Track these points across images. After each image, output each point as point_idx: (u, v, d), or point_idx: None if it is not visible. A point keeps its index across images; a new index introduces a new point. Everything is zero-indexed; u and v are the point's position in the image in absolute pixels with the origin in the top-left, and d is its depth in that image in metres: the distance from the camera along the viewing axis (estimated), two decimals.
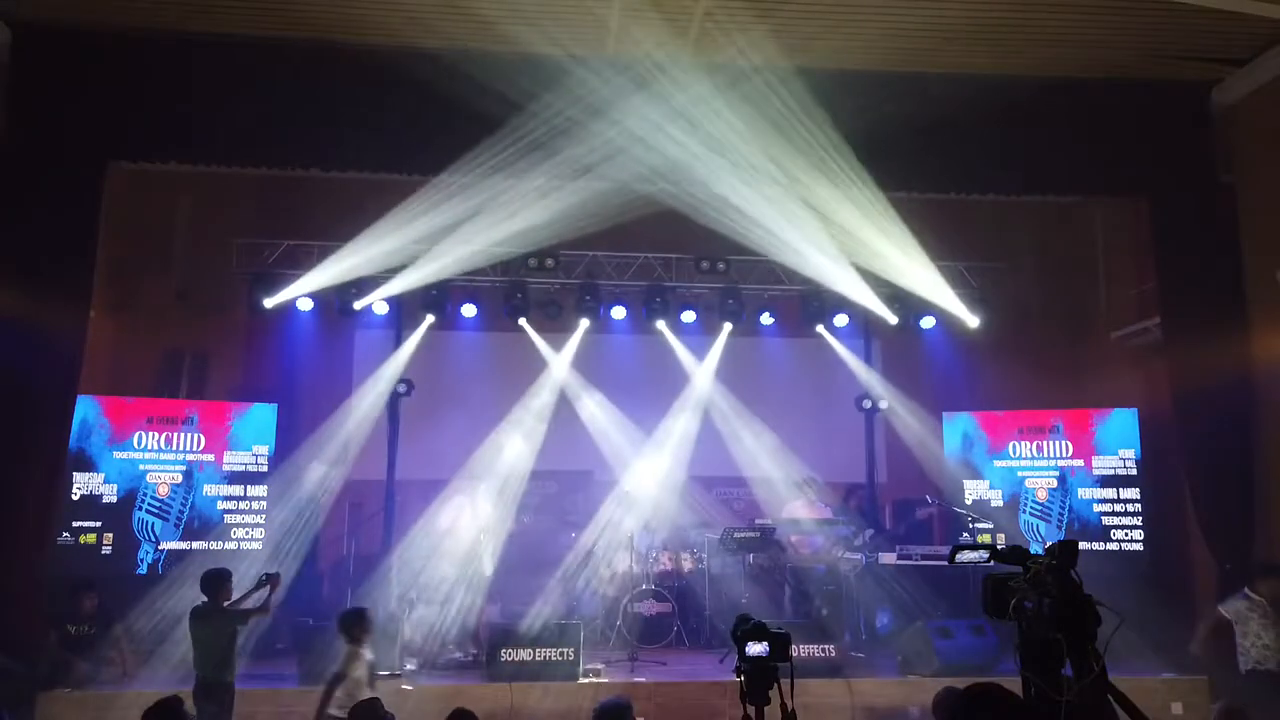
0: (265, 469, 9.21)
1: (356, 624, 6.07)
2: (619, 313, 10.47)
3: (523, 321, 10.46)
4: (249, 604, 6.42)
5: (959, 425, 10.18)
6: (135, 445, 8.87)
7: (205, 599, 6.28)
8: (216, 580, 6.33)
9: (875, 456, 10.97)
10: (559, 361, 10.70)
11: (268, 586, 6.39)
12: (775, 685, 3.17)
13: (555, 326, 10.60)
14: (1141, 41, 7.97)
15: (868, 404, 10.83)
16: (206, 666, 6.11)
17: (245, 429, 9.25)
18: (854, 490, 10.14)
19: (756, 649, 3.16)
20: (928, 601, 8.72)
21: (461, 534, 8.77)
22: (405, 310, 10.43)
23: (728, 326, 10.70)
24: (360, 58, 7.95)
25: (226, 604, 6.31)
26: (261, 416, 9.33)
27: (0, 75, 7.68)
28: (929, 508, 10.27)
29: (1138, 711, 2.34)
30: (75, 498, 8.51)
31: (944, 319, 10.51)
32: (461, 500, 8.97)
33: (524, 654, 7.47)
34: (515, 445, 10.18)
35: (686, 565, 9.62)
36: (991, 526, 9.66)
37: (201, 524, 8.95)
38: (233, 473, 9.14)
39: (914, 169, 8.39)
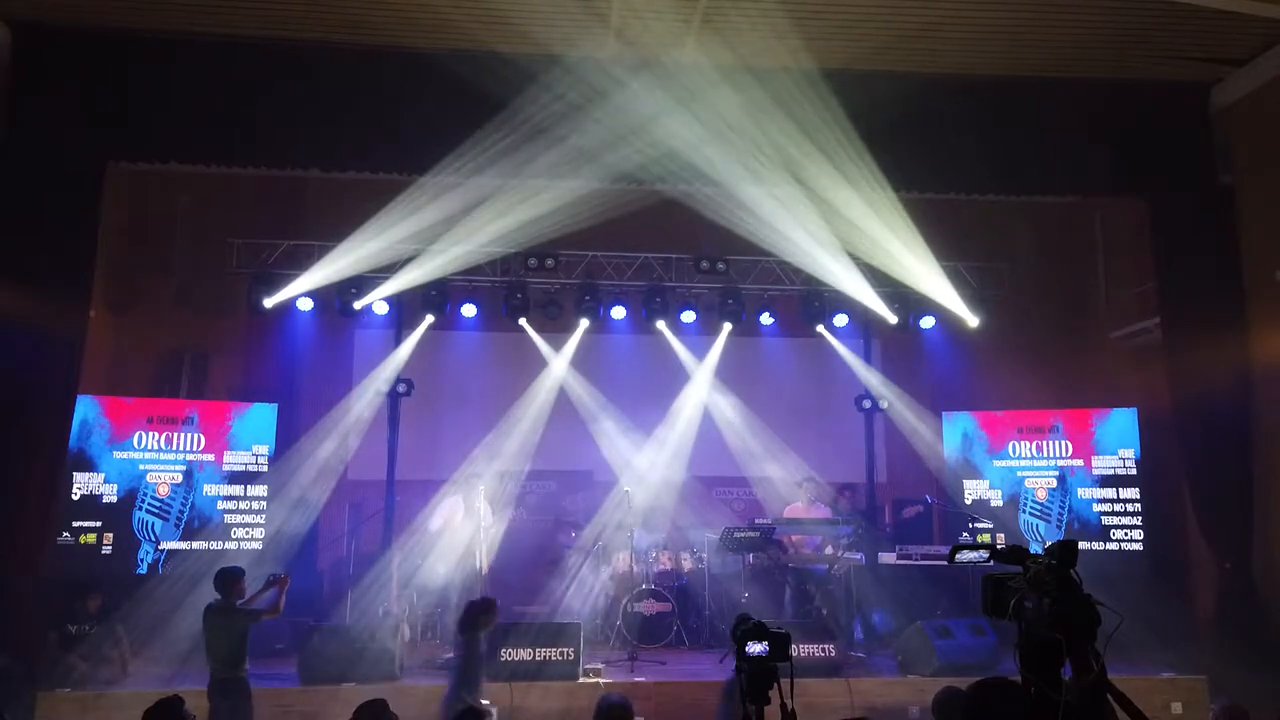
0: (265, 469, 9.21)
1: None
2: (619, 313, 10.46)
3: (523, 321, 10.45)
4: (260, 605, 6.46)
5: (959, 425, 10.18)
6: (135, 445, 8.86)
7: (218, 597, 6.31)
8: (230, 578, 6.36)
9: (875, 456, 10.96)
10: (559, 361, 10.69)
11: (277, 587, 6.43)
12: (775, 685, 3.17)
13: (555, 326, 10.60)
14: (1141, 41, 7.98)
15: (867, 404, 10.83)
16: (220, 663, 6.13)
17: (245, 429, 9.24)
18: (846, 489, 10.13)
19: (756, 649, 3.16)
20: (928, 601, 8.72)
21: (456, 534, 8.75)
22: (405, 310, 10.43)
23: (728, 326, 10.69)
24: (359, 57, 7.97)
25: (239, 602, 6.34)
26: (261, 416, 9.33)
27: (0, 75, 7.68)
28: (914, 507, 10.28)
29: (1137, 711, 2.34)
30: (75, 498, 8.50)
31: (944, 319, 10.51)
32: (454, 500, 8.96)
33: (524, 653, 7.46)
34: (514, 445, 10.19)
35: (686, 565, 9.62)
36: (991, 526, 9.66)
37: (201, 524, 8.95)
38: (233, 472, 9.13)
39: (914, 169, 8.39)
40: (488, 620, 6.36)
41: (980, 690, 2.63)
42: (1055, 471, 9.70)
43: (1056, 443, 9.73)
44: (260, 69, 7.88)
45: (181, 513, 8.92)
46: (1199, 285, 8.48)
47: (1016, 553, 2.52)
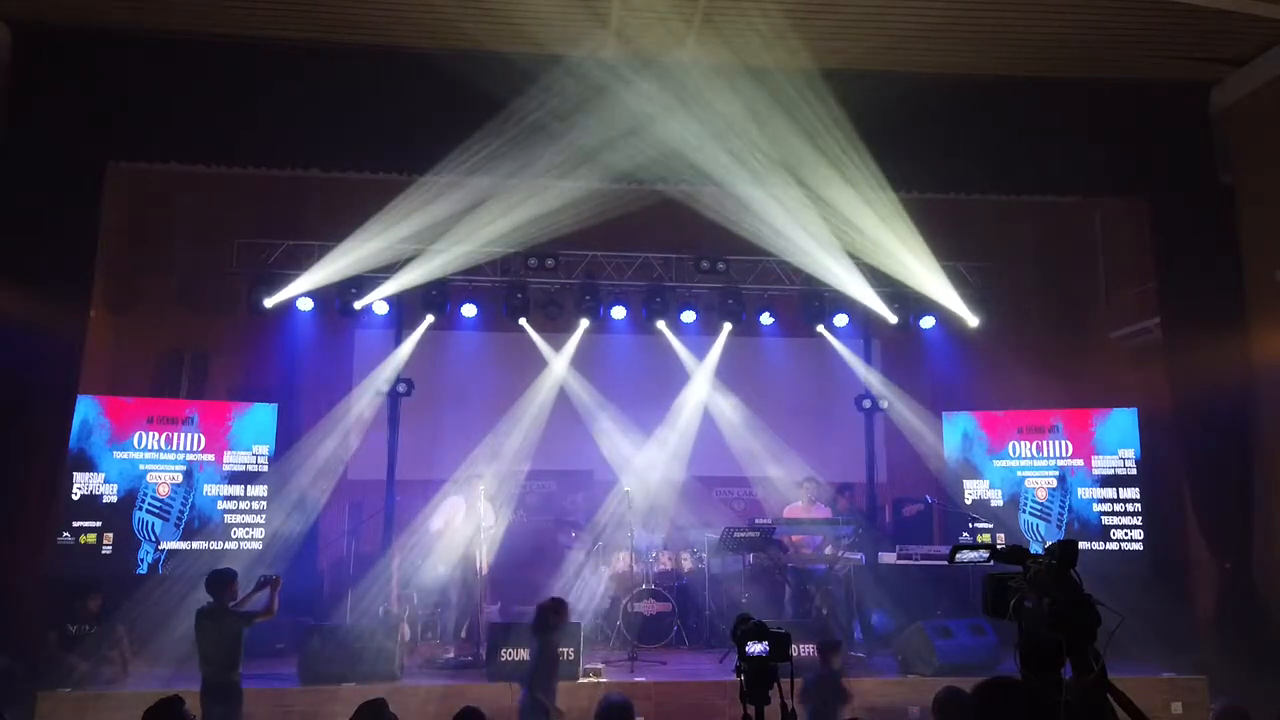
0: (265, 469, 9.20)
1: None
2: (619, 313, 10.46)
3: (523, 321, 10.45)
4: (252, 606, 6.34)
5: (959, 425, 10.18)
6: (135, 445, 8.86)
7: (210, 599, 6.20)
8: (222, 580, 6.24)
9: (875, 456, 10.96)
10: (559, 361, 10.70)
11: (269, 589, 6.30)
12: (775, 685, 3.17)
13: (555, 326, 10.60)
14: (1141, 41, 7.98)
15: (867, 404, 10.83)
16: (213, 667, 6.03)
17: (245, 429, 9.24)
18: (845, 489, 10.13)
19: (756, 649, 3.16)
20: (927, 601, 8.72)
21: (456, 534, 8.74)
22: (405, 310, 10.42)
23: (728, 326, 10.70)
24: (359, 57, 7.97)
25: (232, 604, 6.23)
26: (261, 416, 9.32)
27: (0, 75, 7.68)
28: (914, 505, 10.28)
29: (1137, 711, 2.34)
30: (75, 498, 8.49)
31: (944, 319, 10.51)
32: (456, 500, 8.95)
33: (524, 653, 7.43)
34: (514, 445, 10.19)
35: (686, 565, 9.62)
36: (991, 526, 9.66)
37: (201, 524, 8.94)
38: (233, 472, 9.13)
39: (914, 169, 8.38)
40: (558, 620, 6.41)
41: (986, 690, 2.63)
42: (1055, 471, 9.69)
43: (1056, 443, 9.73)
44: (260, 69, 7.87)
45: (182, 513, 8.92)
46: (1199, 285, 8.48)
47: (1016, 553, 2.52)
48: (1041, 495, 9.71)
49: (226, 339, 10.45)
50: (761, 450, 10.59)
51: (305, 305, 9.88)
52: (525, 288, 10.28)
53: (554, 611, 6.38)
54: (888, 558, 9.12)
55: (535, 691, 6.06)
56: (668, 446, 10.56)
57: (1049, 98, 8.51)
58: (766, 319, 10.75)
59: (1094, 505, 9.48)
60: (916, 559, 8.90)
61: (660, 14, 7.43)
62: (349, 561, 9.30)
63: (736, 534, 8.80)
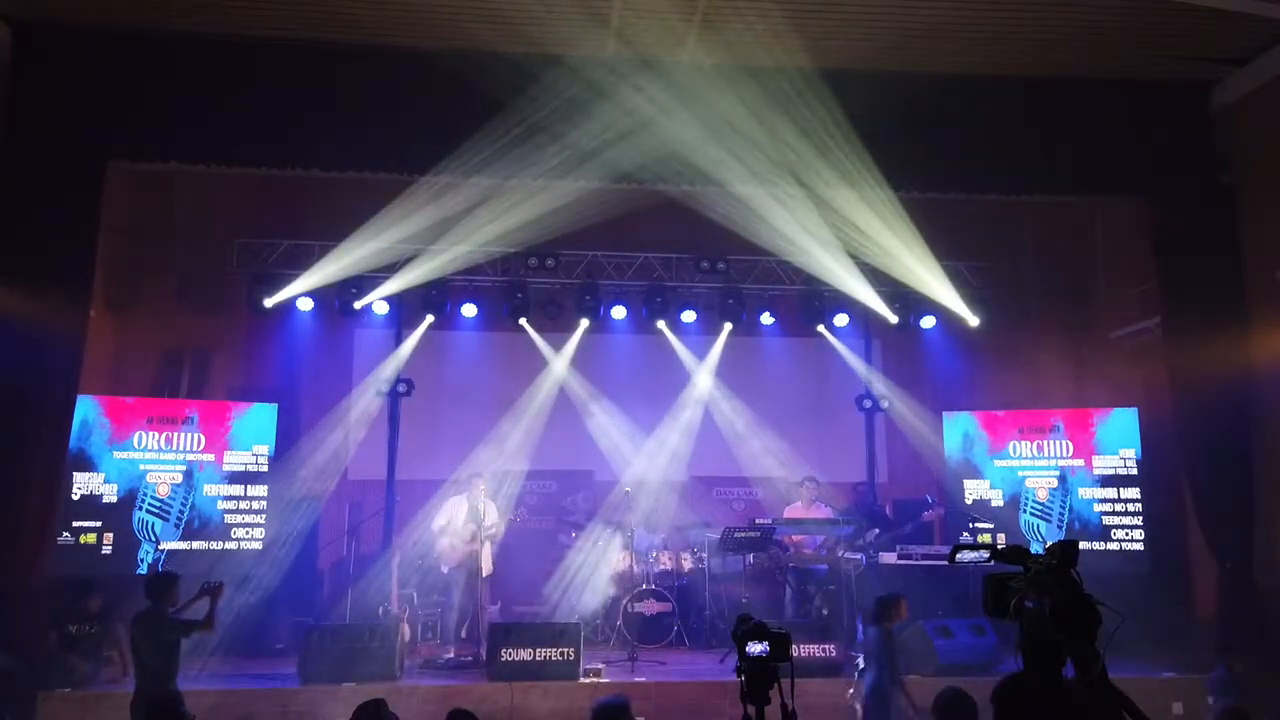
0: (265, 469, 9.20)
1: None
2: (619, 312, 10.47)
3: (523, 321, 10.46)
4: (192, 614, 5.97)
5: (959, 425, 10.18)
6: (135, 445, 8.86)
7: (149, 604, 5.84)
8: (164, 584, 5.91)
9: (875, 456, 10.97)
10: (559, 361, 10.70)
11: (208, 598, 5.90)
12: (775, 685, 3.17)
13: (555, 326, 10.61)
14: (1141, 41, 7.98)
15: (868, 404, 10.83)
16: (149, 677, 5.70)
17: (245, 429, 9.24)
18: (856, 489, 10.12)
19: (756, 649, 3.16)
20: (928, 601, 8.72)
21: (457, 533, 8.74)
22: (405, 310, 10.43)
23: (728, 326, 10.70)
24: (359, 56, 7.97)
25: (171, 610, 5.91)
26: (261, 416, 9.32)
27: (0, 75, 7.68)
28: (935, 509, 10.27)
29: (1138, 711, 2.34)
30: (75, 498, 8.49)
31: (944, 318, 10.52)
32: (457, 500, 8.95)
33: (524, 654, 7.46)
34: (514, 445, 10.19)
35: (686, 565, 9.62)
36: (992, 526, 9.65)
37: (202, 524, 8.94)
38: (233, 472, 9.12)
39: (914, 169, 8.38)
40: (896, 612, 6.61)
41: (1003, 686, 2.62)
42: (1056, 471, 9.69)
43: (1057, 442, 9.73)
44: (261, 69, 7.86)
45: (181, 513, 8.92)
46: (1199, 285, 8.47)
47: (1017, 553, 2.52)
48: (1042, 495, 9.71)
49: (226, 339, 10.46)
50: (762, 450, 10.61)
51: (305, 305, 9.89)
52: (525, 288, 10.28)
53: (893, 604, 6.63)
54: (888, 558, 9.12)
55: (882, 680, 6.32)
56: (668, 446, 10.57)
57: (1049, 98, 8.51)
58: (766, 319, 10.75)
59: (1094, 505, 9.48)
60: (916, 559, 8.89)
61: (660, 14, 7.43)
62: (349, 561, 9.29)
63: (737, 534, 8.79)
